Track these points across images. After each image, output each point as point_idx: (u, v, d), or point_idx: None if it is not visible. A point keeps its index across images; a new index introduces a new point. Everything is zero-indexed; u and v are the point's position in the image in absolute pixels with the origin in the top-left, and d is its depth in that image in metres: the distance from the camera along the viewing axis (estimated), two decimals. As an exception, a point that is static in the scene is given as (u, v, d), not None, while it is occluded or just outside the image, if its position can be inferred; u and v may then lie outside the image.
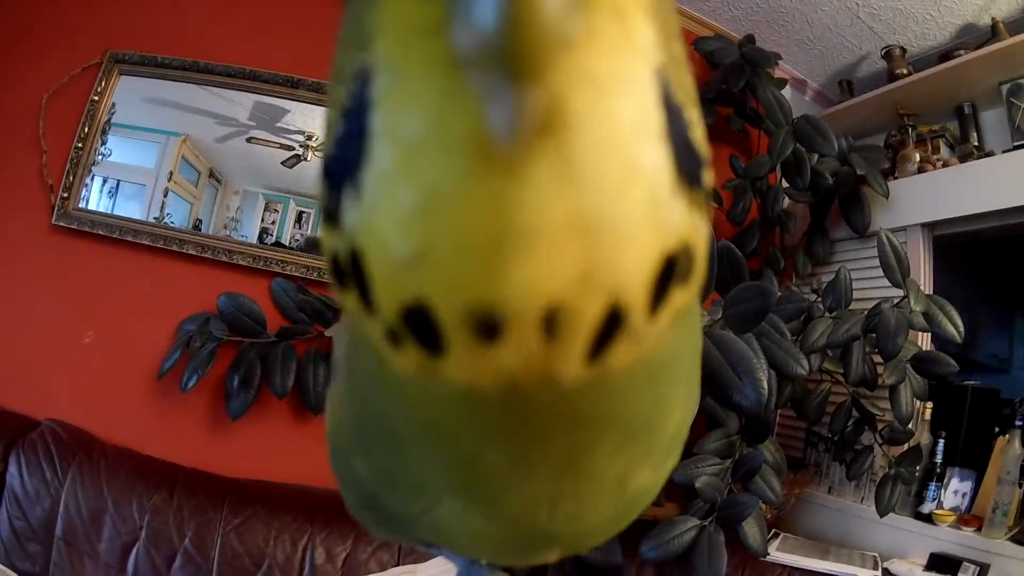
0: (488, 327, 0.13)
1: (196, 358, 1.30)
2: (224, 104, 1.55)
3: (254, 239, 1.53)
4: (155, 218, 1.52)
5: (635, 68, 0.13)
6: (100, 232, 1.47)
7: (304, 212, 1.57)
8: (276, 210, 1.57)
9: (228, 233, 1.53)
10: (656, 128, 0.13)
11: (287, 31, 1.54)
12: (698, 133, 0.16)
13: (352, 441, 0.26)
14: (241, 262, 1.47)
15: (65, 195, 1.49)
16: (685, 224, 0.14)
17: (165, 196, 1.54)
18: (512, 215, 0.12)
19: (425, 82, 0.12)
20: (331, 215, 0.15)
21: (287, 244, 1.54)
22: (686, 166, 0.14)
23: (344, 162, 0.14)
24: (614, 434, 0.19)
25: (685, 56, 0.16)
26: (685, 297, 0.15)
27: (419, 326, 0.14)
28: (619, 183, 0.12)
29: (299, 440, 1.43)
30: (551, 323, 0.13)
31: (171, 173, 1.55)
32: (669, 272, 0.14)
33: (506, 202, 0.12)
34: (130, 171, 1.56)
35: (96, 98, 1.52)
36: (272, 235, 1.55)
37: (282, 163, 1.58)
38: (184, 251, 1.47)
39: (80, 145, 1.50)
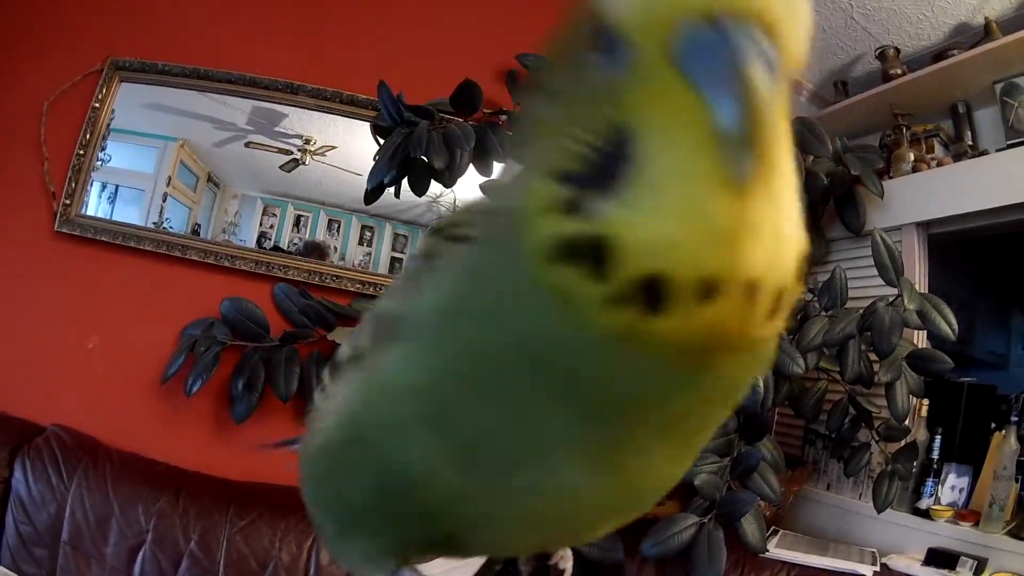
0: (709, 291, 0.20)
1: (200, 362, 1.32)
2: (222, 109, 1.58)
3: (253, 243, 1.55)
4: (154, 223, 1.54)
5: (786, 146, 0.21)
6: (103, 239, 1.50)
7: (302, 216, 1.59)
8: (274, 214, 1.59)
9: (227, 237, 1.55)
10: (796, 190, 0.22)
11: (286, 37, 1.56)
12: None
13: (412, 426, 0.25)
14: (243, 267, 1.49)
15: (67, 202, 1.51)
16: (804, 251, 0.22)
17: (164, 201, 1.56)
18: (742, 219, 0.19)
19: (691, 142, 0.20)
20: (573, 207, 0.21)
21: (285, 248, 1.56)
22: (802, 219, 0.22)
23: (595, 176, 0.21)
24: (721, 412, 0.26)
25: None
26: (795, 298, 0.22)
27: (648, 292, 0.20)
28: (792, 212, 0.21)
29: (303, 443, 1.45)
30: (751, 291, 0.20)
31: (169, 178, 1.57)
32: (799, 277, 0.22)
33: (738, 211, 0.19)
34: (129, 176, 1.58)
35: (97, 105, 1.54)
36: (270, 239, 1.57)
37: (280, 167, 1.60)
38: (187, 257, 1.49)
39: (82, 152, 1.52)
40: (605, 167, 0.21)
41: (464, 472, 0.25)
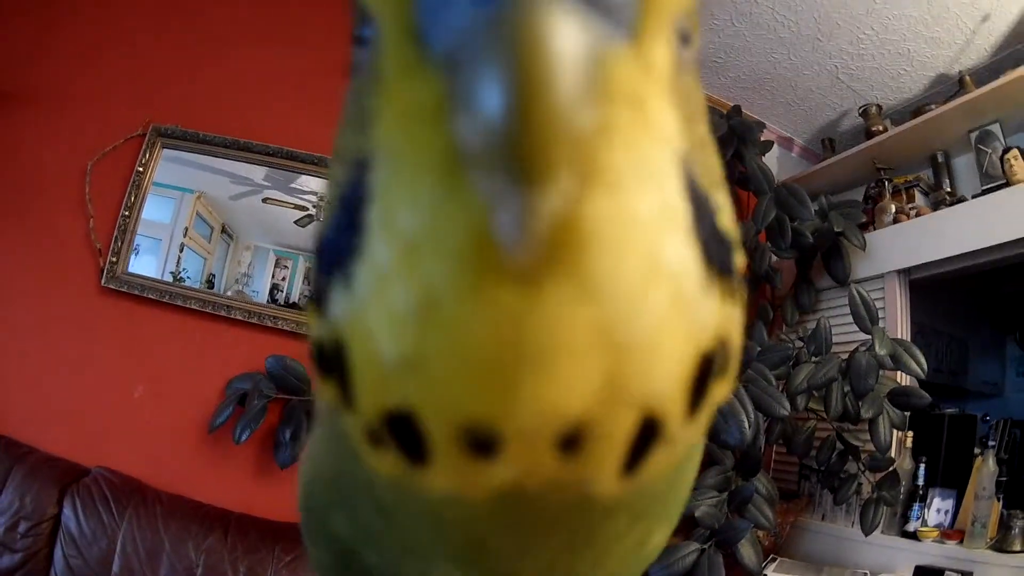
0: (483, 444, 0.13)
1: (249, 413, 1.56)
2: (240, 165, 1.76)
3: (265, 295, 1.73)
4: (171, 272, 1.74)
5: (657, 160, 0.13)
6: (149, 296, 1.73)
7: (314, 269, 1.81)
8: (286, 266, 1.77)
9: (240, 288, 1.73)
10: (681, 221, 0.14)
11: (321, 111, 1.78)
12: (726, 217, 0.17)
13: (333, 497, 0.24)
14: (285, 327, 1.71)
15: (114, 259, 1.74)
16: (719, 316, 0.15)
17: (181, 251, 1.76)
18: (524, 331, 0.12)
19: (424, 175, 0.13)
20: (318, 299, 0.16)
21: (298, 302, 1.73)
22: (716, 254, 0.15)
23: (336, 249, 0.15)
24: (633, 515, 0.19)
25: (710, 135, 0.18)
26: (725, 389, 0.16)
27: (402, 432, 0.14)
28: (642, 287, 0.13)
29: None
30: (571, 442, 0.13)
31: (187, 229, 1.76)
32: (707, 371, 0.15)
33: (516, 317, 0.12)
34: (146, 226, 1.78)
35: (141, 169, 1.78)
36: (283, 291, 1.74)
37: (295, 222, 1.78)
38: (231, 316, 1.71)
39: (127, 214, 1.77)
40: (343, 227, 0.15)
41: (375, 555, 0.24)
